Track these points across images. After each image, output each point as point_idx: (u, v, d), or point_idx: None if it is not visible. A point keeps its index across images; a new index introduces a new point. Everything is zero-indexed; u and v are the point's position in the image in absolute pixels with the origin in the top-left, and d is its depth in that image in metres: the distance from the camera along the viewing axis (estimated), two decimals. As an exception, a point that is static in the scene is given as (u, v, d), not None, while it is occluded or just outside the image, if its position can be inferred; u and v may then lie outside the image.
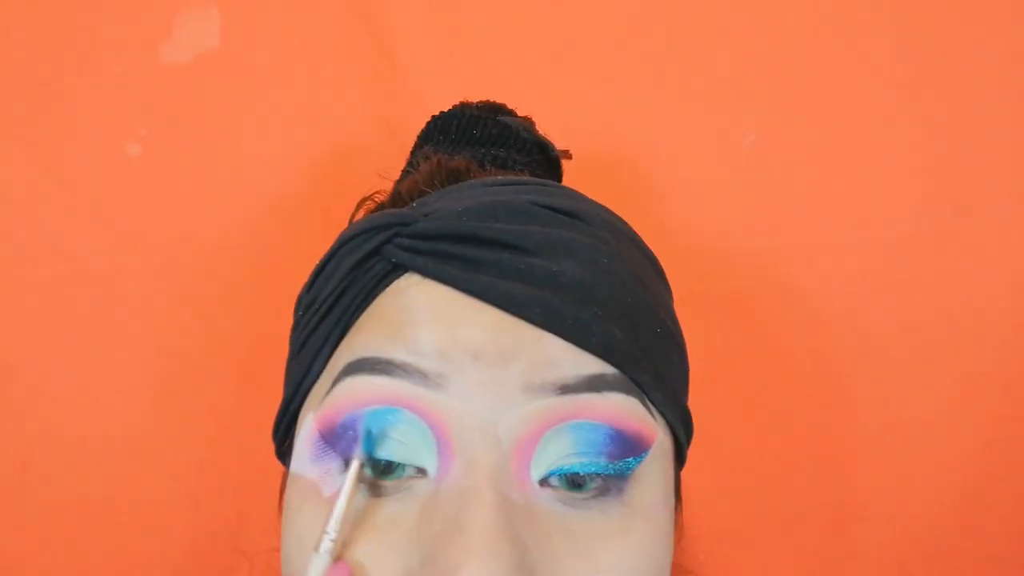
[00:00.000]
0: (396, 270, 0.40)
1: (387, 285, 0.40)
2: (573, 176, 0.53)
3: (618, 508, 0.38)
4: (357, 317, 0.40)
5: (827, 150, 0.61)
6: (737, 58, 0.62)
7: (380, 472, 0.38)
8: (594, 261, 0.40)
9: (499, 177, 0.44)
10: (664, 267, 0.45)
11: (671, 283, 0.45)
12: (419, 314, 0.38)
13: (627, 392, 0.38)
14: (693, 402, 0.43)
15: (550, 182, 0.46)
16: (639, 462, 0.38)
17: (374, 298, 0.40)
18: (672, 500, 0.40)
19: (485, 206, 0.41)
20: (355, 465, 0.37)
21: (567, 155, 0.53)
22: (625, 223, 0.44)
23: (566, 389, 0.37)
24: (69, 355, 0.58)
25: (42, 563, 0.57)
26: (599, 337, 0.38)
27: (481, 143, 0.50)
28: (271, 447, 0.44)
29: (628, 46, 0.62)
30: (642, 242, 0.45)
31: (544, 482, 0.37)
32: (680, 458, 0.43)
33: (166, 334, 0.59)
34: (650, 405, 0.39)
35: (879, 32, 0.61)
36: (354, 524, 0.37)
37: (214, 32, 0.60)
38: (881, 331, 0.61)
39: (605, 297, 0.39)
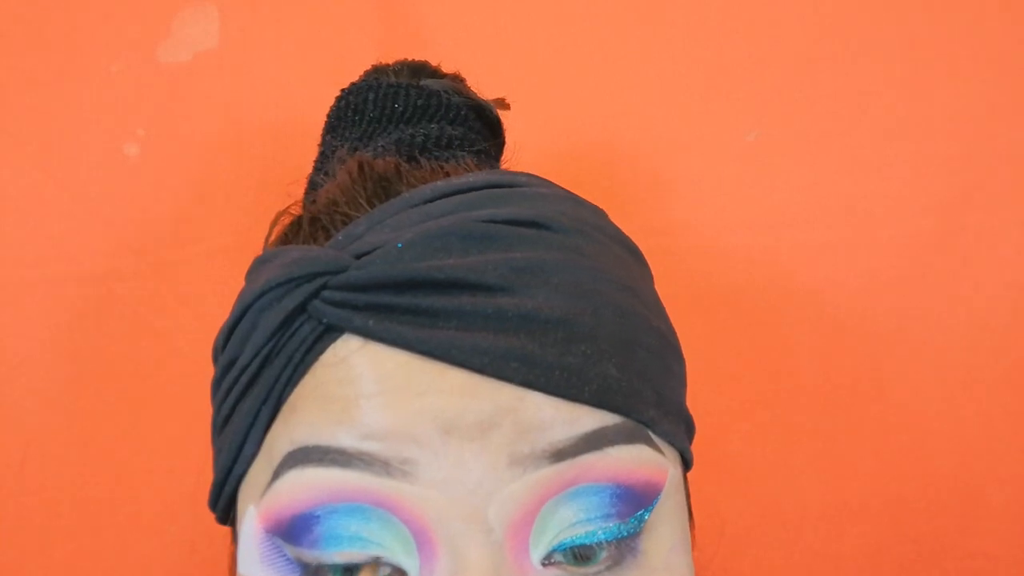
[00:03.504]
0: (330, 331, 0.33)
1: (321, 351, 0.33)
2: (573, 175, 0.52)
3: (632, 572, 0.33)
4: (290, 391, 0.33)
5: (830, 147, 0.61)
6: (739, 54, 0.61)
7: None
8: (573, 284, 0.34)
9: (439, 183, 0.36)
10: (665, 264, 0.42)
11: (672, 283, 0.43)
12: (368, 387, 0.32)
13: (631, 440, 0.33)
14: (692, 402, 0.42)
15: (499, 175, 0.38)
16: (651, 512, 0.33)
17: (307, 368, 0.33)
18: (688, 534, 0.36)
19: (432, 235, 0.33)
20: None
21: (504, 105, 0.45)
22: (592, 208, 0.38)
23: (561, 455, 0.32)
24: (68, 355, 0.58)
25: (42, 563, 0.57)
26: (593, 383, 0.32)
27: (406, 120, 0.41)
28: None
29: (627, 41, 0.62)
30: (614, 228, 0.38)
31: (548, 560, 0.32)
32: (687, 465, 0.39)
33: (165, 334, 0.58)
34: (657, 442, 0.34)
35: (883, 29, 0.61)
36: None
37: (213, 32, 0.60)
38: (883, 329, 0.60)
39: (592, 328, 0.33)
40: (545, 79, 0.61)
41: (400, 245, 0.33)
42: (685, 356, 0.41)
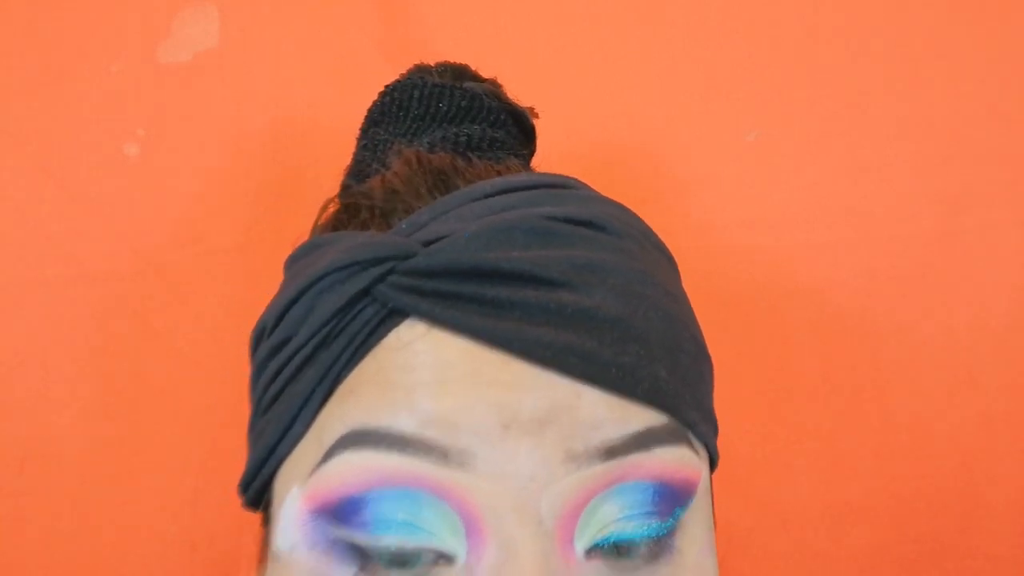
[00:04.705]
0: (393, 315, 0.33)
1: (384, 335, 0.33)
2: (572, 174, 0.52)
3: (667, 568, 0.34)
4: (347, 373, 0.34)
5: (830, 147, 0.61)
6: (739, 54, 0.61)
7: (395, 563, 0.32)
8: (626, 285, 0.34)
9: (496, 180, 0.37)
10: None
11: None
12: (431, 374, 0.32)
13: (675, 442, 0.34)
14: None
15: (551, 176, 0.39)
16: (685, 510, 0.34)
17: (368, 351, 0.33)
18: (713, 535, 0.37)
19: (497, 228, 0.34)
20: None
21: (534, 114, 0.46)
22: (634, 214, 0.39)
23: (612, 453, 0.33)
24: (68, 355, 0.58)
25: (42, 563, 0.57)
26: (645, 383, 0.33)
27: (450, 120, 0.42)
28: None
29: (626, 42, 0.62)
30: (655, 235, 0.39)
31: (590, 552, 0.33)
32: (713, 465, 0.39)
33: (165, 334, 0.58)
34: (695, 442, 0.36)
35: (883, 29, 0.61)
36: None
37: (213, 32, 0.60)
38: (883, 329, 0.60)
39: (643, 330, 0.34)
40: (544, 80, 0.61)
41: (467, 235, 0.34)
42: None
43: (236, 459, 0.58)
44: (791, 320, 0.61)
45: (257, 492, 0.38)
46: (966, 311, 0.60)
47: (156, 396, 0.58)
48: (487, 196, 0.36)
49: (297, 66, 0.61)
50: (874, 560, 0.60)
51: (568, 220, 0.35)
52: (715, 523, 0.40)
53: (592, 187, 0.40)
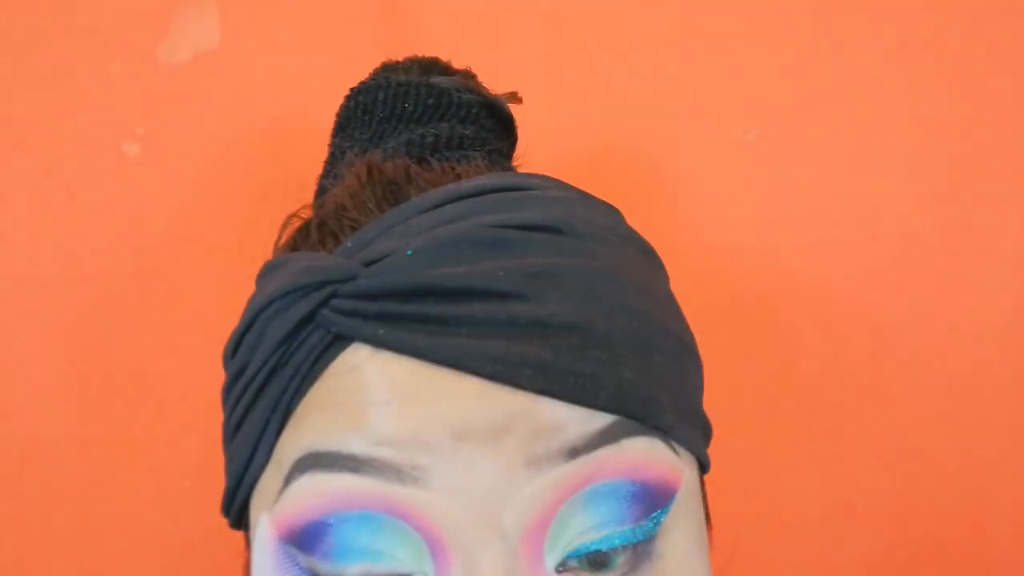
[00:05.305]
0: (339, 340, 0.33)
1: (330, 360, 0.33)
2: (572, 175, 0.52)
3: None
4: (299, 400, 0.33)
5: (830, 147, 0.61)
6: (739, 54, 0.61)
7: None
8: (587, 289, 0.33)
9: (449, 187, 0.36)
10: (666, 265, 0.41)
11: (671, 282, 0.42)
12: (379, 394, 0.31)
13: (646, 433, 0.33)
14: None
15: (510, 177, 0.38)
16: (666, 513, 0.33)
17: (316, 377, 0.33)
18: (705, 537, 0.36)
19: (442, 242, 0.33)
20: None
21: (516, 99, 0.44)
22: (606, 209, 0.38)
23: (576, 452, 0.31)
24: (68, 355, 0.58)
25: (42, 563, 0.57)
26: (607, 389, 0.32)
27: (416, 119, 0.41)
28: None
29: (626, 41, 0.62)
30: (628, 228, 0.38)
31: (563, 567, 0.32)
32: (703, 469, 0.38)
33: (165, 333, 0.58)
34: (674, 444, 0.34)
35: (883, 29, 0.61)
36: None
37: (213, 31, 0.60)
38: (884, 328, 0.60)
39: (607, 333, 0.33)
40: (544, 78, 0.61)
41: (409, 253, 0.33)
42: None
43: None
44: (791, 320, 0.61)
45: (236, 515, 0.38)
46: (967, 310, 0.60)
47: (156, 396, 0.58)
48: (436, 206, 0.35)
49: (297, 66, 0.61)
50: (875, 560, 0.60)
51: (521, 226, 0.34)
52: (711, 524, 0.39)
53: (578, 184, 0.39)
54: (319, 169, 0.53)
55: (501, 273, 0.32)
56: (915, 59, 0.61)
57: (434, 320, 0.32)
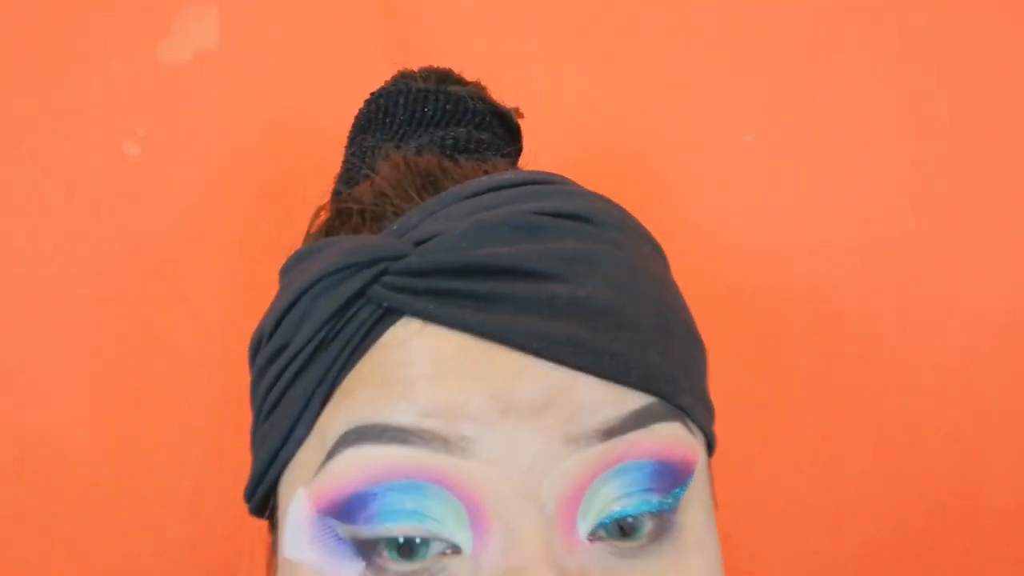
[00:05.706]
0: (388, 315, 0.34)
1: (379, 335, 0.34)
2: (572, 175, 0.52)
3: (670, 547, 0.34)
4: (346, 374, 0.34)
5: (829, 147, 0.61)
6: (739, 54, 0.61)
7: (403, 555, 0.33)
8: (616, 275, 0.35)
9: (483, 179, 0.38)
10: None
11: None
12: (427, 368, 0.33)
13: (672, 419, 0.35)
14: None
15: (536, 173, 0.40)
16: (685, 490, 0.35)
17: (365, 351, 0.34)
18: (713, 515, 0.38)
19: (486, 225, 0.35)
20: None
21: (519, 114, 0.47)
22: (620, 206, 0.40)
23: (611, 432, 0.33)
24: (68, 355, 0.58)
25: (42, 563, 0.57)
26: (638, 368, 0.34)
27: (435, 124, 0.43)
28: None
29: (625, 42, 0.62)
30: (641, 226, 0.40)
31: (593, 536, 0.33)
32: (710, 450, 0.40)
33: (164, 333, 0.58)
34: (691, 424, 0.36)
35: (882, 29, 0.61)
36: None
37: (213, 31, 0.60)
38: (883, 329, 0.61)
39: (634, 317, 0.35)
40: (544, 80, 0.62)
41: (457, 233, 0.34)
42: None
43: (236, 459, 0.58)
44: (790, 320, 0.61)
45: (262, 499, 0.38)
46: (965, 311, 0.60)
47: (156, 396, 0.58)
48: (475, 195, 0.37)
49: (297, 66, 0.61)
50: (873, 559, 0.60)
51: (555, 214, 0.36)
52: (716, 503, 0.40)
53: (581, 185, 0.40)
54: (318, 169, 0.53)
55: (541, 255, 0.34)
56: (913, 61, 0.61)
57: (481, 296, 0.34)
